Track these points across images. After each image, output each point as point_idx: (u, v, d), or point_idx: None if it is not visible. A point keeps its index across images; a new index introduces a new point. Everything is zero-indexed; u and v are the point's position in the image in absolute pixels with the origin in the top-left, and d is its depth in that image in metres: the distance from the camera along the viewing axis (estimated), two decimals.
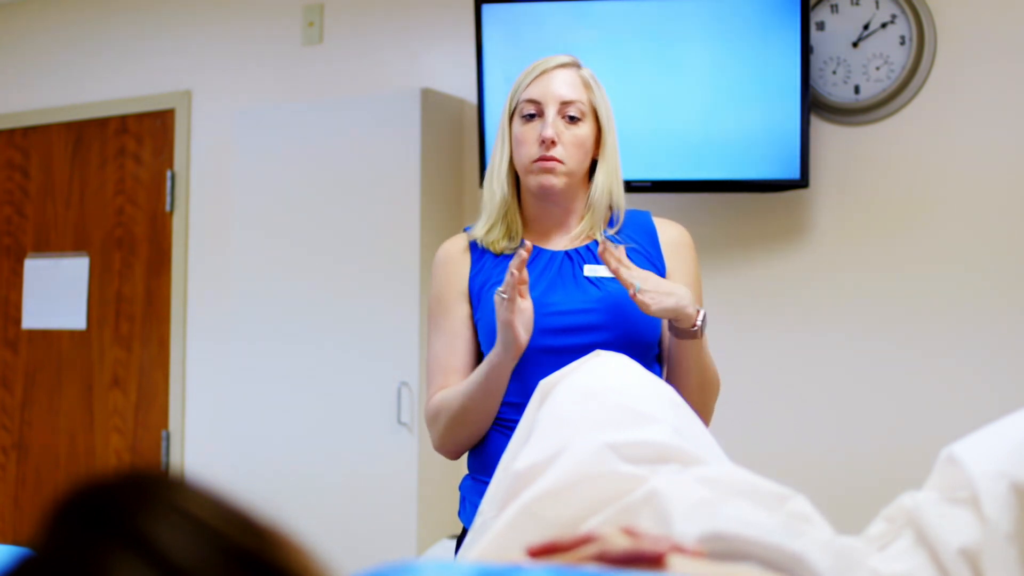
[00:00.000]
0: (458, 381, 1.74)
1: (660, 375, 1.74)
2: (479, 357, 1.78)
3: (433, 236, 3.39)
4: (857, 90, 3.10)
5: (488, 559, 0.99)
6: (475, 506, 1.57)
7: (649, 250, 1.77)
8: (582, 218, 1.79)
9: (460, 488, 1.80)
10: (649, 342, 1.70)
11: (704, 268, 1.92)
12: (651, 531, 0.95)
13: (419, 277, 3.38)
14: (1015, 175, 2.94)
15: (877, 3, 3.08)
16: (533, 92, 1.74)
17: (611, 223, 1.79)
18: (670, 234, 1.80)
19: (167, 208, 4.25)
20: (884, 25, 3.08)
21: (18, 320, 4.54)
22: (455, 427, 1.71)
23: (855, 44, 3.11)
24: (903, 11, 3.05)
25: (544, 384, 1.30)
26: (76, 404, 4.41)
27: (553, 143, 1.71)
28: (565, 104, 1.73)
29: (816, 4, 3.13)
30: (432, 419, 1.74)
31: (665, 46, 3.08)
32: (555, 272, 1.73)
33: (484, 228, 1.78)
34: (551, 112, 1.73)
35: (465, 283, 1.78)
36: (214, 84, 4.17)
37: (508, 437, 1.36)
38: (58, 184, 4.50)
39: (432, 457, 3.38)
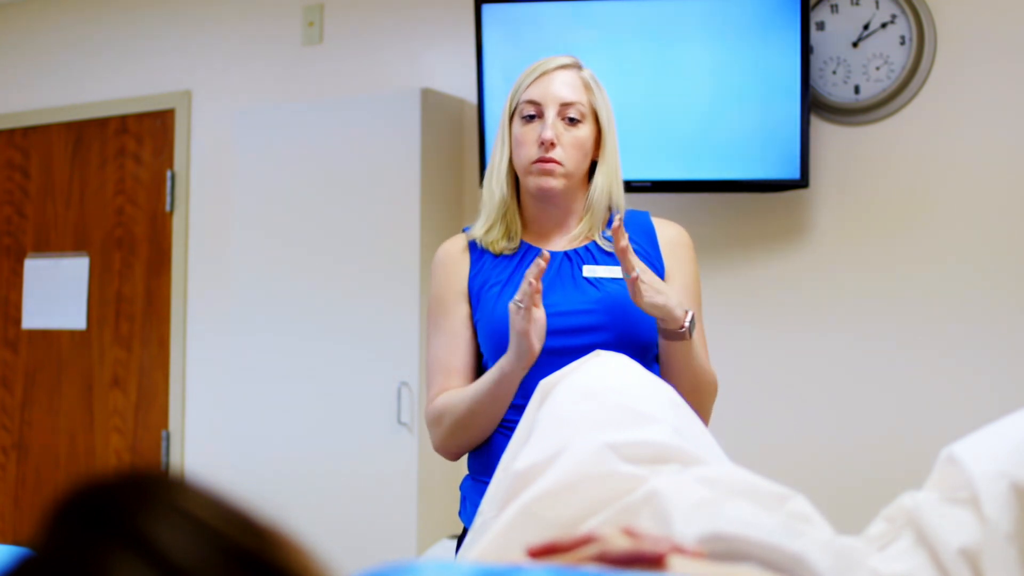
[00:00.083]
0: (459, 381, 1.74)
1: (659, 375, 1.74)
2: (479, 357, 1.78)
3: (433, 236, 3.39)
4: (857, 90, 3.10)
5: (488, 559, 0.99)
6: (475, 506, 1.57)
7: (648, 250, 1.77)
8: (581, 219, 1.79)
9: (460, 488, 1.80)
10: (648, 342, 1.70)
11: (704, 268, 1.92)
12: (651, 531, 0.95)
13: (419, 277, 3.38)
14: (1015, 175, 2.94)
15: (877, 3, 3.08)
16: (533, 93, 1.74)
17: (610, 224, 1.79)
18: (669, 234, 1.80)
19: (167, 208, 4.25)
20: (884, 25, 3.08)
21: (18, 320, 4.54)
22: (459, 431, 1.70)
23: (855, 44, 3.11)
24: (903, 11, 3.05)
25: (544, 384, 1.30)
26: (76, 404, 4.41)
27: (552, 145, 1.71)
28: (565, 106, 1.73)
29: (816, 4, 3.13)
30: (434, 421, 1.73)
31: (665, 46, 3.08)
32: (554, 273, 1.73)
33: (483, 228, 1.78)
34: (551, 113, 1.72)
35: (464, 283, 1.78)
36: (214, 84, 4.17)
37: (508, 438, 1.36)
38: (58, 184, 4.50)
39: (432, 457, 3.38)
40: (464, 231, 1.84)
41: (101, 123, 4.42)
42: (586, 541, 0.88)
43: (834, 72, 3.13)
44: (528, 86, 1.75)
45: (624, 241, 1.56)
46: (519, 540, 0.98)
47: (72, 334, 4.43)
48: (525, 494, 1.04)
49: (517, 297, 1.58)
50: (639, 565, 0.84)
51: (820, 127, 3.14)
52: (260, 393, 3.64)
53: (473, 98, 3.52)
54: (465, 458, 1.81)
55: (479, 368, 1.78)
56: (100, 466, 4.32)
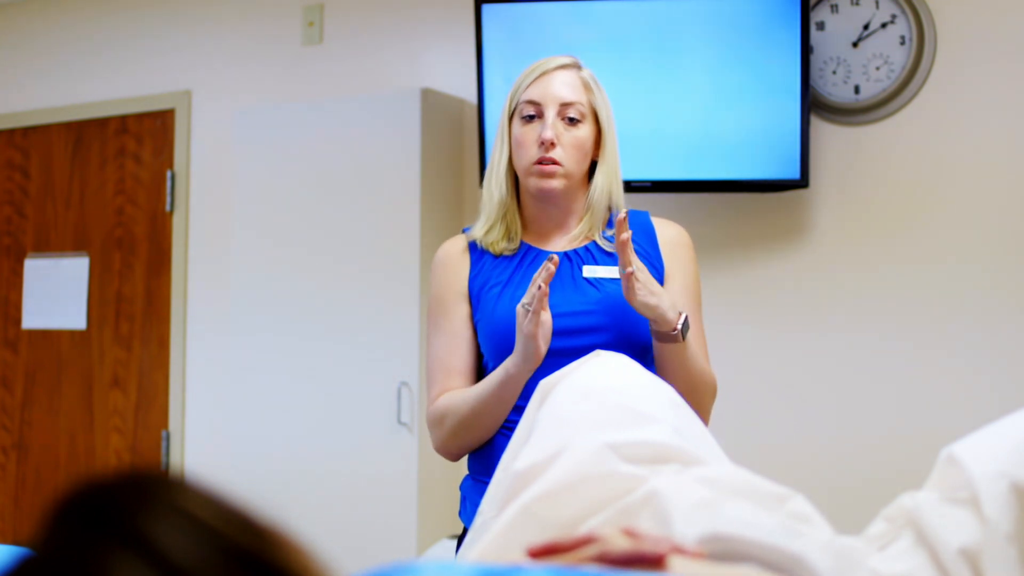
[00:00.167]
0: (460, 382, 1.74)
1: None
2: (480, 357, 1.78)
3: (433, 236, 3.39)
4: (857, 90, 3.10)
5: (488, 559, 0.99)
6: (475, 506, 1.57)
7: (648, 250, 1.77)
8: (581, 219, 1.79)
9: (460, 488, 1.80)
10: (647, 343, 1.70)
11: (704, 268, 1.92)
12: (651, 532, 0.95)
13: (419, 277, 3.38)
14: (1015, 175, 2.94)
15: (877, 3, 3.08)
16: (533, 93, 1.74)
17: (610, 224, 1.79)
18: (669, 234, 1.80)
19: (167, 208, 4.25)
20: (884, 25, 3.08)
21: (18, 320, 4.54)
22: (462, 432, 1.70)
23: (855, 44, 3.11)
24: (903, 11, 3.05)
25: (544, 384, 1.30)
26: (76, 404, 4.41)
27: (552, 145, 1.71)
28: (565, 106, 1.73)
29: (816, 4, 3.14)
30: (436, 422, 1.73)
31: (665, 46, 3.08)
32: (555, 273, 1.73)
33: (483, 229, 1.78)
34: (551, 114, 1.72)
35: (465, 284, 1.78)
36: (214, 84, 4.17)
37: (508, 438, 1.36)
38: (58, 184, 4.50)
39: (432, 457, 3.38)
40: (464, 232, 1.84)
41: (101, 123, 4.42)
42: (586, 541, 0.88)
43: (834, 72, 3.13)
44: (528, 86, 1.75)
45: (626, 235, 1.57)
46: (519, 540, 0.98)
47: (72, 334, 4.43)
48: (525, 494, 1.04)
49: (525, 300, 1.58)
50: (639, 565, 0.84)
51: (820, 127, 3.14)
52: (260, 393, 3.64)
53: (473, 98, 3.52)
54: (465, 458, 1.81)
55: (480, 368, 1.78)
56: (100, 466, 4.32)
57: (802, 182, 3.00)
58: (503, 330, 1.67)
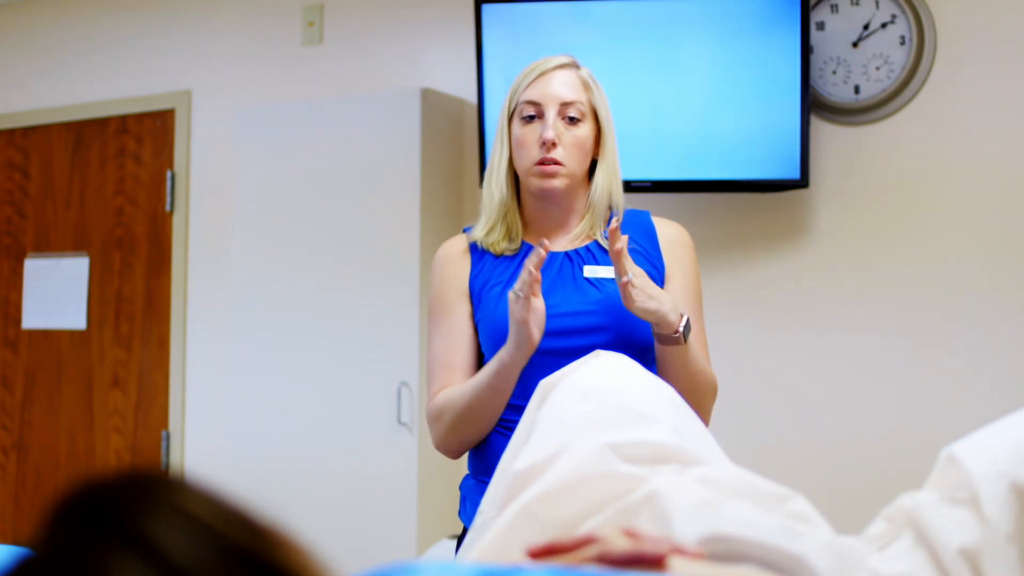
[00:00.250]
0: (460, 379, 1.74)
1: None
2: (480, 356, 1.78)
3: (433, 236, 3.39)
4: (857, 90, 3.10)
5: (488, 559, 0.99)
6: (475, 506, 1.57)
7: (648, 250, 1.77)
8: (582, 218, 1.79)
9: (460, 488, 1.80)
10: (648, 344, 1.70)
11: (704, 268, 1.92)
12: (651, 532, 0.95)
13: (419, 277, 3.38)
14: (1015, 175, 2.94)
15: (877, 3, 3.08)
16: (532, 94, 1.74)
17: (609, 223, 1.79)
18: (669, 234, 1.80)
19: (167, 208, 4.25)
20: (884, 25, 3.08)
21: (18, 320, 4.54)
22: (460, 426, 1.70)
23: (855, 44, 3.11)
24: (903, 11, 3.05)
25: (544, 384, 1.30)
26: (76, 404, 4.41)
27: (554, 145, 1.71)
28: (565, 105, 1.73)
29: (816, 4, 3.13)
30: (435, 418, 1.73)
31: (665, 46, 3.08)
32: (555, 273, 1.73)
33: (484, 230, 1.78)
34: (551, 114, 1.72)
35: (466, 283, 1.78)
36: (214, 84, 4.17)
37: (508, 438, 1.36)
38: (58, 184, 4.50)
39: (432, 457, 3.38)
40: (465, 231, 1.84)
41: (101, 123, 4.42)
42: (586, 542, 0.88)
43: (834, 72, 3.13)
44: (527, 87, 1.75)
45: (619, 244, 1.57)
46: (519, 540, 0.98)
47: (72, 334, 4.43)
48: (525, 494, 1.04)
49: (516, 286, 1.58)
50: (639, 566, 0.84)
51: (820, 127, 3.14)
52: (260, 393, 3.64)
53: (473, 98, 3.52)
54: (465, 458, 1.81)
55: (480, 367, 1.78)
56: (100, 466, 4.32)
57: (802, 182, 3.00)
58: (504, 330, 1.67)
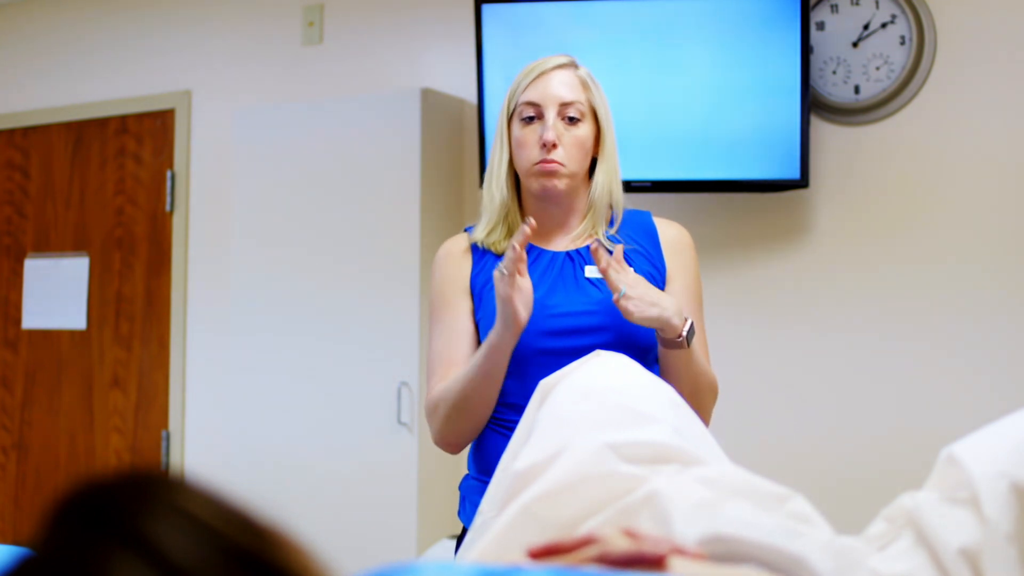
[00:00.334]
0: None
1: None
2: None
3: (433, 236, 3.39)
4: (857, 90, 3.10)
5: (488, 559, 0.99)
6: (475, 506, 1.57)
7: (650, 250, 1.77)
8: (583, 218, 1.79)
9: (460, 488, 1.79)
10: (649, 344, 1.70)
11: (704, 268, 1.92)
12: (651, 532, 0.95)
13: (419, 277, 3.38)
14: (1015, 174, 2.94)
15: (877, 3, 3.08)
16: (531, 94, 1.74)
17: (610, 223, 1.79)
18: (671, 234, 1.79)
19: (167, 208, 4.25)
20: (884, 25, 3.08)
21: (18, 320, 4.54)
22: (455, 415, 1.69)
23: (855, 44, 3.11)
24: (903, 11, 3.05)
25: (544, 384, 1.30)
26: (76, 404, 4.41)
27: (554, 146, 1.71)
28: (564, 105, 1.73)
29: (816, 4, 3.14)
30: (432, 410, 1.73)
31: (665, 46, 3.08)
32: (556, 274, 1.73)
33: (485, 231, 1.78)
34: (551, 114, 1.72)
35: (467, 281, 1.78)
36: (214, 84, 4.17)
37: (508, 438, 1.36)
38: (58, 184, 4.50)
39: (432, 457, 3.38)
40: (466, 231, 1.84)
41: (101, 123, 4.42)
42: (587, 542, 0.88)
43: (834, 72, 3.13)
44: (526, 87, 1.75)
45: (603, 263, 1.57)
46: (519, 540, 0.98)
47: (72, 334, 4.43)
48: (525, 494, 1.04)
49: (501, 264, 1.58)
50: (640, 566, 0.84)
51: (820, 127, 3.14)
52: (260, 393, 3.64)
53: (473, 98, 3.52)
54: (465, 458, 1.81)
55: None
56: (100, 466, 4.32)
57: (802, 182, 3.00)
58: (517, 341, 1.66)
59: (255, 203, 3.71)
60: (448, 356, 1.74)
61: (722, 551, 0.93)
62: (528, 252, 1.76)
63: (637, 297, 1.57)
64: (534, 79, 1.75)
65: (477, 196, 3.37)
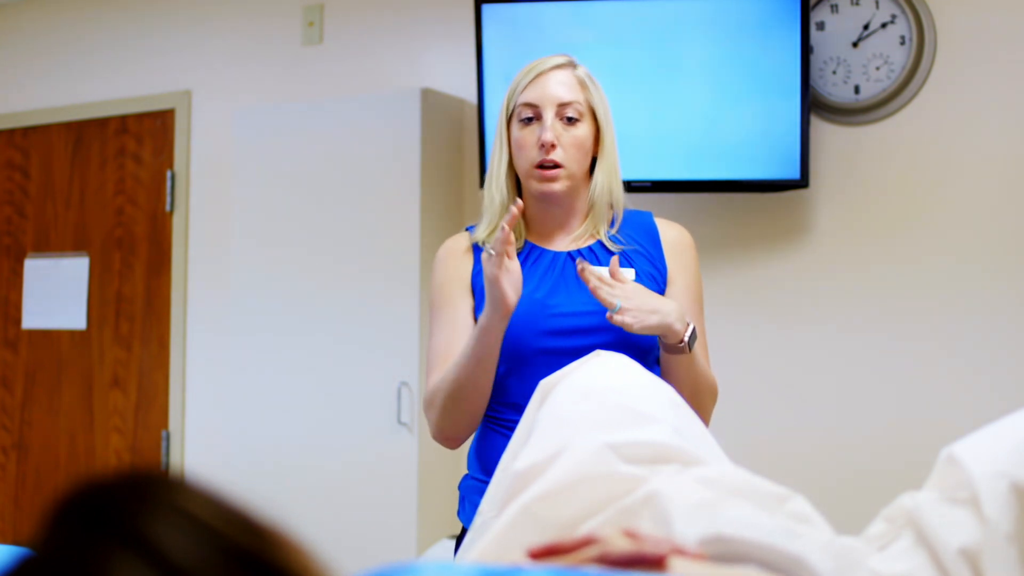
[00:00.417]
0: None
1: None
2: None
3: (433, 236, 3.39)
4: (857, 90, 3.10)
5: (488, 559, 0.99)
6: (475, 506, 1.57)
7: (651, 251, 1.76)
8: (584, 217, 1.78)
9: (460, 488, 1.79)
10: (649, 345, 1.70)
11: (704, 268, 1.92)
12: (651, 532, 0.95)
13: (419, 277, 3.38)
14: (1015, 174, 2.94)
15: (877, 3, 3.08)
16: (530, 95, 1.74)
17: (611, 223, 1.79)
18: (672, 235, 1.79)
19: (167, 208, 4.25)
20: (884, 25, 3.08)
21: (18, 320, 4.54)
22: (450, 405, 1.68)
23: (855, 44, 3.11)
24: (903, 11, 3.05)
25: (544, 384, 1.30)
26: (76, 404, 4.41)
27: (553, 147, 1.71)
28: (563, 106, 1.72)
29: (816, 4, 3.14)
30: (429, 403, 1.72)
31: (665, 46, 3.08)
32: (557, 274, 1.73)
33: (486, 231, 1.77)
34: (549, 115, 1.72)
35: (468, 279, 1.78)
36: (214, 84, 4.17)
37: (508, 437, 1.36)
38: (58, 184, 4.50)
39: (432, 457, 3.38)
40: (468, 230, 1.84)
41: (101, 123, 4.42)
42: (587, 542, 0.88)
43: (834, 72, 3.13)
44: (524, 88, 1.75)
45: (593, 283, 1.57)
46: (519, 540, 0.98)
47: (72, 334, 4.43)
48: (525, 494, 1.04)
49: (489, 245, 1.59)
50: (640, 567, 0.84)
51: (820, 127, 3.14)
52: (260, 393, 3.64)
53: (473, 98, 3.52)
54: (465, 457, 1.81)
55: None
56: (100, 466, 4.32)
57: (802, 182, 3.00)
58: (507, 325, 1.66)
59: (255, 203, 3.71)
60: (447, 352, 1.73)
61: (722, 551, 0.93)
62: (529, 252, 1.76)
63: (635, 308, 1.57)
64: (532, 80, 1.75)
65: (477, 196, 3.37)
